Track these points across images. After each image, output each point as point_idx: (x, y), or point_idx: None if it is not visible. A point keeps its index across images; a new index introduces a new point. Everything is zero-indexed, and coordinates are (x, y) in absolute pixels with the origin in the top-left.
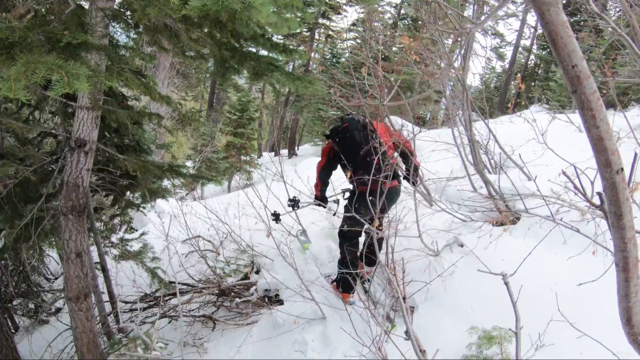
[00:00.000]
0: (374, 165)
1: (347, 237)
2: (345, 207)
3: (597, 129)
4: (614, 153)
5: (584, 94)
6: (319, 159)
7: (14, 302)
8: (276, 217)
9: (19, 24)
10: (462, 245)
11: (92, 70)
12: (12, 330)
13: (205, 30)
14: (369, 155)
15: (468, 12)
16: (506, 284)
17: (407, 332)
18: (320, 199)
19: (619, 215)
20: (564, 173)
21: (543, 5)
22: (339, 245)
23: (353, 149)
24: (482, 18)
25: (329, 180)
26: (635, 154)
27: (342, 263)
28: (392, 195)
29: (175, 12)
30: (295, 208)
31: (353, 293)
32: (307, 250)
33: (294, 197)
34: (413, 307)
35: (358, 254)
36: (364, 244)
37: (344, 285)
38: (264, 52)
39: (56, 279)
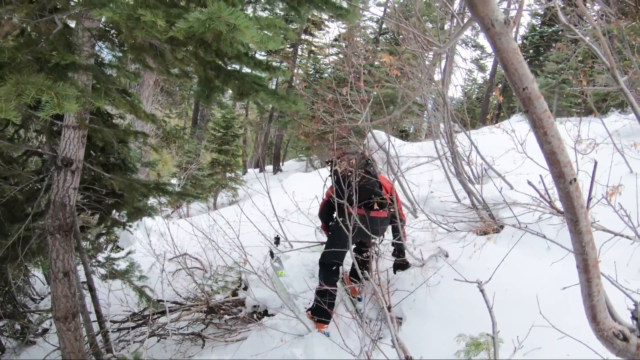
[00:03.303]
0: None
1: (326, 266)
2: (330, 236)
3: (549, 145)
4: (566, 165)
5: (535, 113)
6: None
7: (0, 323)
8: (276, 240)
9: (5, 43)
10: (447, 255)
11: (80, 91)
12: None
13: (190, 49)
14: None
15: (448, 24)
16: (481, 291)
17: (392, 341)
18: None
19: (575, 221)
20: (529, 183)
21: (495, 35)
22: (319, 273)
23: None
24: (447, 41)
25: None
26: (595, 163)
27: (319, 293)
28: (378, 224)
29: (162, 35)
30: (272, 260)
31: (328, 324)
32: (282, 276)
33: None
34: (401, 318)
35: (337, 285)
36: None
37: (319, 314)
38: (247, 70)
39: (42, 299)
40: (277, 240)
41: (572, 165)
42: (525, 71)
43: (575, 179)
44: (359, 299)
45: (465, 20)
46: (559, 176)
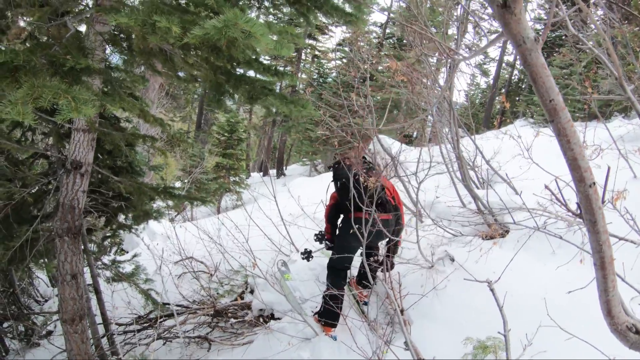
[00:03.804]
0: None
1: (335, 270)
2: (337, 236)
3: (572, 152)
4: (586, 170)
5: (560, 123)
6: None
7: (4, 325)
8: (308, 254)
9: (17, 45)
10: (453, 260)
11: (95, 95)
12: (3, 354)
13: (202, 54)
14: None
15: (453, 29)
16: (492, 290)
17: (406, 343)
18: (332, 241)
19: (594, 221)
20: (546, 187)
21: (525, 51)
22: (327, 277)
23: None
24: (471, 52)
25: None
26: (609, 168)
27: (327, 296)
28: (385, 226)
29: (176, 41)
30: (310, 258)
31: (335, 327)
32: (289, 280)
33: (306, 249)
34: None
35: (345, 288)
36: (359, 268)
37: (326, 318)
38: (251, 73)
39: (46, 301)
40: (308, 254)
41: (592, 171)
42: (552, 84)
43: (594, 183)
44: (365, 303)
45: (471, 26)
46: (580, 180)
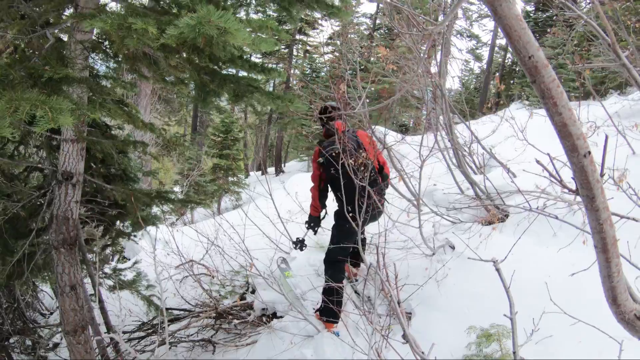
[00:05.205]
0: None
1: (333, 263)
2: (332, 228)
3: (560, 116)
4: (579, 137)
5: (544, 82)
6: (311, 177)
7: (11, 340)
8: (300, 243)
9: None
10: (453, 247)
11: (75, 104)
12: None
13: (184, 56)
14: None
15: (441, 18)
16: (498, 270)
17: (404, 336)
18: (317, 220)
19: (592, 197)
20: (538, 162)
21: (495, 0)
22: (325, 272)
23: (336, 182)
24: (441, 19)
25: (326, 203)
26: (606, 137)
27: (326, 292)
28: (377, 213)
29: (153, 42)
30: (304, 247)
31: (337, 323)
32: (289, 277)
33: (298, 238)
34: (410, 313)
35: (344, 282)
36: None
37: (328, 314)
38: (243, 73)
39: (51, 313)
40: (301, 243)
41: (586, 138)
42: (530, 38)
43: (589, 152)
44: (357, 281)
45: (461, 12)
46: (572, 149)
